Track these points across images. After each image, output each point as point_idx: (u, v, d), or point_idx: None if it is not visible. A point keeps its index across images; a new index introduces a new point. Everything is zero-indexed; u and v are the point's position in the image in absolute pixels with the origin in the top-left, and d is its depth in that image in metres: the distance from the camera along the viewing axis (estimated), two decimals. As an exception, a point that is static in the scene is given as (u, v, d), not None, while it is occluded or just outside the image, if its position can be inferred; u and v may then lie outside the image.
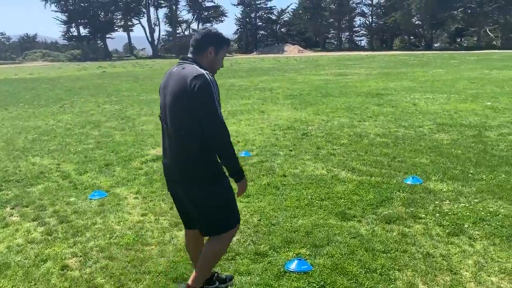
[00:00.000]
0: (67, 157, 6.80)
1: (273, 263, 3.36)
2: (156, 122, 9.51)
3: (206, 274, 2.82)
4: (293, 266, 3.28)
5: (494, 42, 63.60)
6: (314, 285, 3.05)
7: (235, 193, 2.71)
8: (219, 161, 2.58)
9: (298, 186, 5.04)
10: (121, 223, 4.23)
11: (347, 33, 76.06)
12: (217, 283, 2.98)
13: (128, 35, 70.50)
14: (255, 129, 8.53)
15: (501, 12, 59.23)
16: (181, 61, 2.60)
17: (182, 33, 76.49)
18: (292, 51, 62.07)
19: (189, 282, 2.76)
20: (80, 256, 3.62)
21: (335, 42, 75.49)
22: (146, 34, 70.47)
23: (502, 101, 11.06)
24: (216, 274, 3.02)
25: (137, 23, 78.04)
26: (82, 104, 13.17)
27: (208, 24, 69.34)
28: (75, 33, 67.41)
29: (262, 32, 79.69)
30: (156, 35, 72.16)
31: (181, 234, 3.94)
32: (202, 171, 2.54)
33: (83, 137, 8.25)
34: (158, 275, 3.26)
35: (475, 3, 60.48)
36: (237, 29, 78.72)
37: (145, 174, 5.75)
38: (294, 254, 3.48)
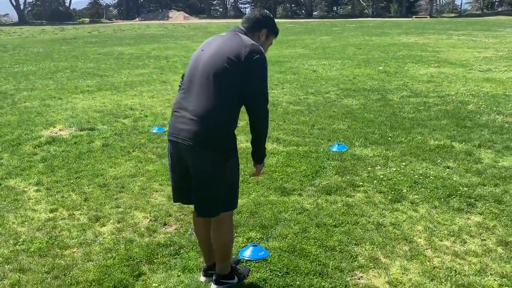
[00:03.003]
0: None
1: (225, 252, 2.99)
2: (41, 98, 8.27)
3: (229, 259, 2.63)
4: (248, 253, 2.95)
5: (366, 11, 68.53)
6: (277, 273, 2.76)
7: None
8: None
9: (226, 162, 4.66)
10: (26, 223, 3.47)
11: (232, 0, 75.58)
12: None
13: (-14, -2, 61.33)
14: (161, 101, 7.86)
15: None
16: (233, 29, 2.43)
17: (52, -3, 68.97)
18: (177, 17, 59.90)
19: (216, 271, 2.60)
20: (-22, 272, 2.86)
21: (221, 9, 74.63)
22: (8, -3, 61.92)
23: (392, 65, 11.78)
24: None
25: (-4, -16, 68.23)
26: None
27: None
28: None
29: (143, -3, 75.37)
30: (21, -2, 63.91)
31: (105, 230, 3.36)
32: (223, 141, 2.32)
33: (-50, 119, 6.80)
34: (90, 285, 2.69)
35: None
36: (116, -6, 73.33)
37: (43, 160, 4.87)
38: (245, 239, 3.15)
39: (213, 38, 2.44)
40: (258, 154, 2.48)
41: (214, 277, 2.62)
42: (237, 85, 2.24)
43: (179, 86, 2.51)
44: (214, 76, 2.24)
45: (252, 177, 2.57)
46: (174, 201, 2.62)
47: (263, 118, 2.34)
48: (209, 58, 2.28)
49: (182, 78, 2.49)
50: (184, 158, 2.38)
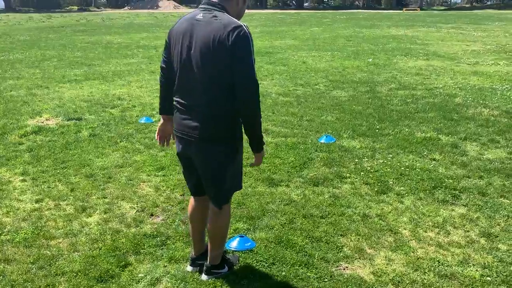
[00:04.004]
0: None
1: (211, 243, 2.99)
2: (27, 87, 8.16)
3: (223, 248, 2.66)
4: (235, 244, 2.96)
5: (357, 2, 68.57)
6: (263, 263, 2.78)
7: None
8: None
9: (215, 153, 4.66)
10: (11, 213, 3.44)
11: (222, -10, 74.87)
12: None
13: (-29, -16, 59.98)
14: (149, 91, 7.81)
15: (363, -26, 63.55)
16: (206, 6, 2.27)
17: (39, -16, 67.72)
18: (167, 6, 59.28)
19: (208, 263, 2.61)
20: (-38, 263, 2.83)
21: (211, -1, 73.89)
22: (-6, -17, 60.67)
23: (381, 57, 11.81)
24: None
25: (-19, -30, 66.64)
26: None
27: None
28: None
29: (132, -15, 74.31)
30: (7, -15, 62.59)
31: (92, 220, 3.34)
32: (229, 132, 2.33)
33: None
34: (76, 276, 2.68)
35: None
36: (104, -18, 72.25)
37: (29, 150, 4.82)
38: (232, 230, 3.16)
39: (189, 25, 2.26)
40: (257, 142, 2.34)
41: (204, 267, 2.63)
42: (229, 70, 2.18)
43: (161, 80, 2.50)
44: (209, 71, 2.21)
45: (252, 166, 2.56)
46: (192, 195, 2.64)
47: (254, 103, 2.22)
48: (200, 54, 2.21)
49: (163, 72, 2.47)
50: (189, 153, 2.40)
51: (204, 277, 2.62)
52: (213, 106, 2.26)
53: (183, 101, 2.34)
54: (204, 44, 2.19)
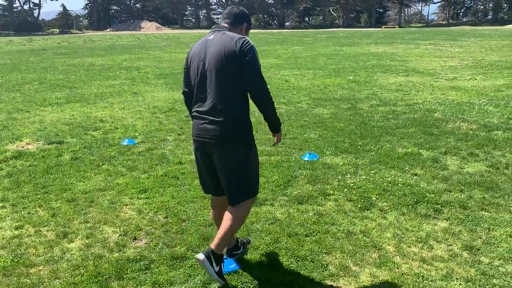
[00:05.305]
0: None
1: (196, 266, 2.96)
2: (7, 111, 8.06)
3: (229, 241, 2.82)
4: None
5: (337, 21, 69.93)
6: (249, 284, 2.76)
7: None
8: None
9: (198, 173, 4.65)
10: (-11, 242, 3.36)
11: (204, 11, 75.77)
12: (241, 249, 3.10)
13: (-50, 8, 59.53)
14: (132, 113, 7.78)
15: (342, -7, 65.00)
16: (217, 29, 2.71)
17: (20, 7, 67.65)
18: (149, 28, 59.59)
19: (212, 246, 2.64)
20: None
21: (193, 20, 74.67)
22: (-27, 7, 60.34)
23: (361, 75, 12.01)
24: (238, 240, 3.12)
25: (-39, -5, 66.38)
26: None
27: None
28: None
29: (115, 7, 74.73)
30: (-13, 9, 62.33)
31: (73, 246, 3.28)
32: (244, 133, 2.67)
33: None
34: (56, 304, 2.62)
35: (320, -16, 65.32)
36: (87, 4, 72.38)
37: (9, 176, 4.73)
38: (216, 252, 3.13)
39: (204, 43, 2.67)
40: (274, 125, 2.78)
41: (207, 248, 2.65)
42: (240, 77, 2.54)
43: (186, 103, 2.87)
44: (223, 78, 2.55)
45: (274, 146, 3.08)
46: (205, 193, 3.00)
47: (266, 94, 2.58)
48: (214, 64, 2.56)
49: (185, 95, 2.83)
50: (210, 154, 2.68)
51: (200, 255, 2.59)
52: (229, 109, 2.57)
53: (200, 109, 2.64)
54: (218, 53, 2.56)
